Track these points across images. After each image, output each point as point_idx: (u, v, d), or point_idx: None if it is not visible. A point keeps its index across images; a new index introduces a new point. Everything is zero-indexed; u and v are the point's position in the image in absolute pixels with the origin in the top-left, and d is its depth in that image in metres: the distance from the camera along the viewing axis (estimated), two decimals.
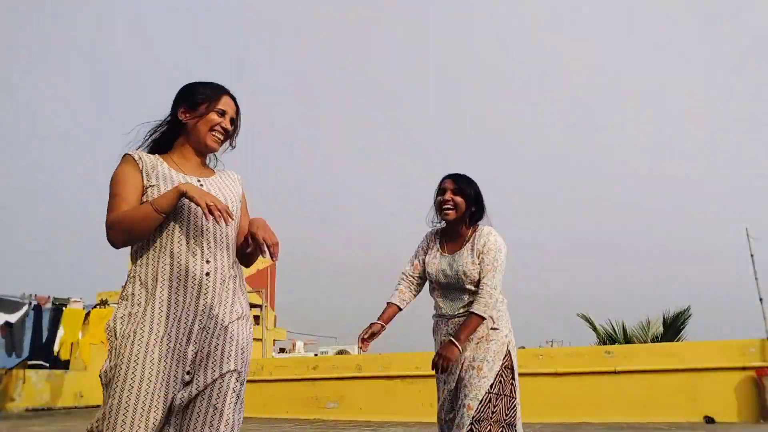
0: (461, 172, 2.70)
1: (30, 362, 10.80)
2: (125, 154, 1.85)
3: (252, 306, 6.98)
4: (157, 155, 1.88)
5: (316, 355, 16.30)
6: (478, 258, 2.57)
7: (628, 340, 10.54)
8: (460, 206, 2.63)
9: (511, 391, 2.48)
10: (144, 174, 1.81)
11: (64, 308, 11.11)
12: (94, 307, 11.77)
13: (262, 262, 17.94)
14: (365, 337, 2.62)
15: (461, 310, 2.58)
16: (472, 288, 2.57)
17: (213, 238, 1.81)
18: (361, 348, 2.67)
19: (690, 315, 10.42)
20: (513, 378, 2.52)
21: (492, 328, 2.54)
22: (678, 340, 10.25)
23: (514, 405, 2.48)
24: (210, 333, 1.75)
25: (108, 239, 1.73)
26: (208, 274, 1.78)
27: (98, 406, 11.66)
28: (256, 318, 14.98)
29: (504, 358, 2.51)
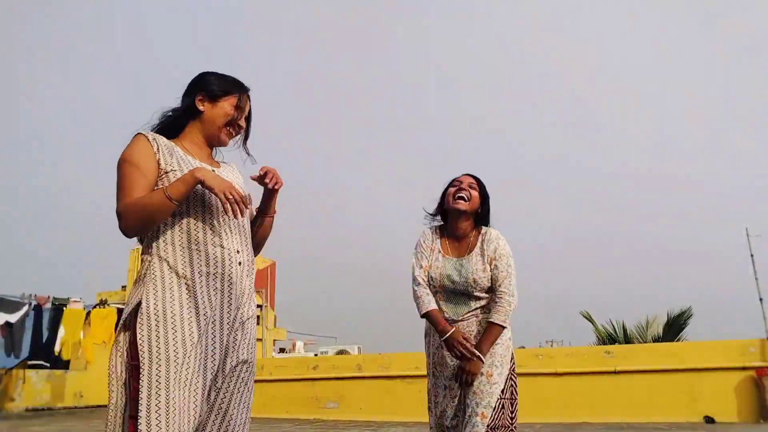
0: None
1: (30, 362, 10.81)
2: (138, 134, 1.74)
3: None
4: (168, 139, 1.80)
5: (316, 355, 16.29)
6: (490, 264, 2.48)
7: (628, 340, 10.55)
8: (474, 201, 2.55)
9: (513, 393, 2.45)
10: (161, 157, 1.71)
11: (64, 308, 11.12)
12: (94, 307, 11.77)
13: (262, 262, 17.94)
14: (472, 347, 2.37)
15: (466, 315, 2.49)
16: (480, 294, 2.48)
17: (238, 227, 1.77)
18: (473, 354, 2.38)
19: (691, 315, 10.45)
20: (515, 380, 2.49)
21: None
22: (678, 340, 10.26)
23: (516, 407, 2.46)
24: (232, 325, 1.72)
25: (120, 228, 1.63)
26: (240, 263, 1.73)
27: (98, 406, 11.66)
28: (257, 318, 14.96)
29: (510, 362, 2.47)
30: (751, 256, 8.63)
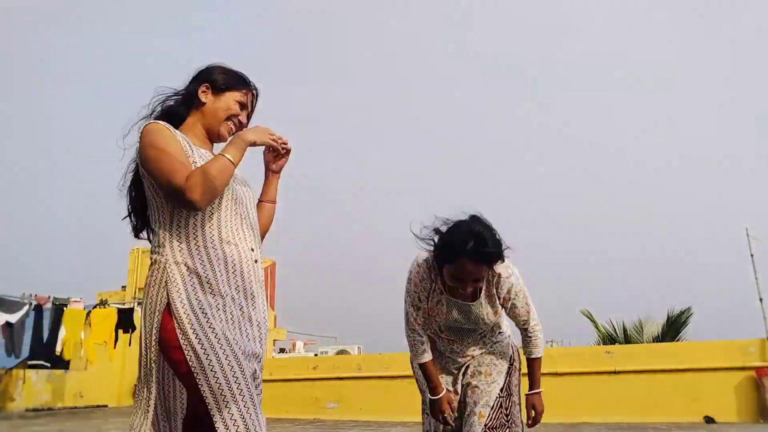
0: (489, 249, 2.10)
1: (30, 362, 10.81)
2: (155, 122, 1.67)
3: None
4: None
5: (316, 355, 16.28)
6: (504, 303, 2.31)
7: (628, 339, 10.56)
8: (480, 285, 2.25)
9: (511, 391, 2.44)
10: (185, 145, 1.66)
11: (64, 308, 11.12)
12: (95, 307, 11.77)
13: (262, 263, 17.88)
14: (449, 411, 2.32)
15: (470, 340, 2.42)
16: (489, 327, 2.41)
17: (250, 225, 1.74)
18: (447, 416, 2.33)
19: (692, 314, 10.46)
20: (519, 378, 2.48)
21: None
22: (678, 340, 10.27)
23: (516, 407, 2.44)
24: (252, 322, 1.69)
25: (188, 201, 1.53)
26: (256, 261, 1.72)
27: (98, 405, 11.68)
28: None
29: (510, 358, 2.46)
30: (751, 256, 8.62)
